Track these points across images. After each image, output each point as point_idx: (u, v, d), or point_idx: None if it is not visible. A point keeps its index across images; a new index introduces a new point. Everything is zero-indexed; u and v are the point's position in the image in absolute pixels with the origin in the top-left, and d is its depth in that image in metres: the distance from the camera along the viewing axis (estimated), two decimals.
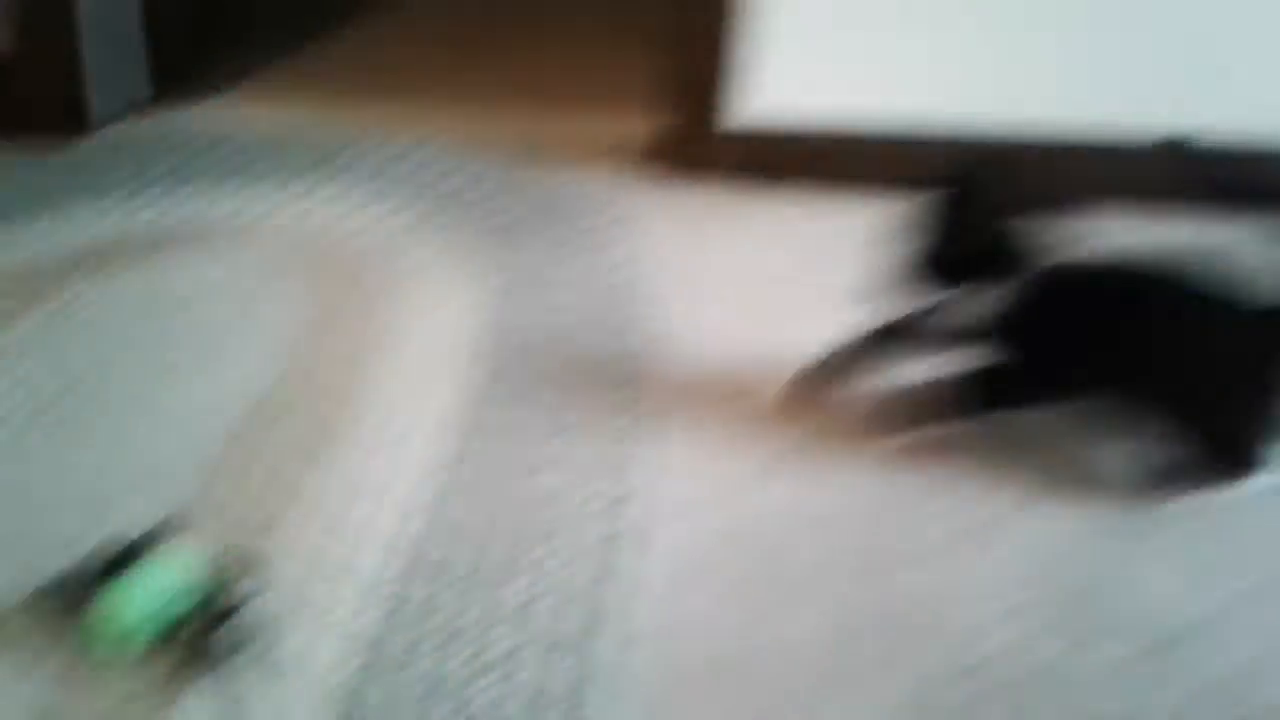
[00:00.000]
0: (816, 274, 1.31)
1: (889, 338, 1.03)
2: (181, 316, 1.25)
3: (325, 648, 0.81)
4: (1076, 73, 1.43)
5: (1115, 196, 1.06)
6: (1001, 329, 0.98)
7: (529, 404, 1.10)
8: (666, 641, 0.83)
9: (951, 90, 1.45)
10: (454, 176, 1.55)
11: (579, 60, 2.00)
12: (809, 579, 0.90)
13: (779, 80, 1.49)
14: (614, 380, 1.14)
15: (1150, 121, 1.29)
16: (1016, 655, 0.82)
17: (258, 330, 1.22)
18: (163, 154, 1.61)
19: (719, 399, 1.11)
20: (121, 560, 0.81)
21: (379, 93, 1.88)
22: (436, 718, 0.76)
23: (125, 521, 0.86)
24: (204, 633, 0.79)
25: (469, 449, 1.04)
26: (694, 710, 0.79)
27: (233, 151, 1.62)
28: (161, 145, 1.64)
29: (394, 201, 1.49)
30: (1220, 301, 0.95)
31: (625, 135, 1.65)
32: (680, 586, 0.88)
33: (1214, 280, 0.95)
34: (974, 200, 0.98)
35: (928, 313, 1.00)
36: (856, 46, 1.46)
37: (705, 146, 1.54)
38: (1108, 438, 1.02)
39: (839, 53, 1.47)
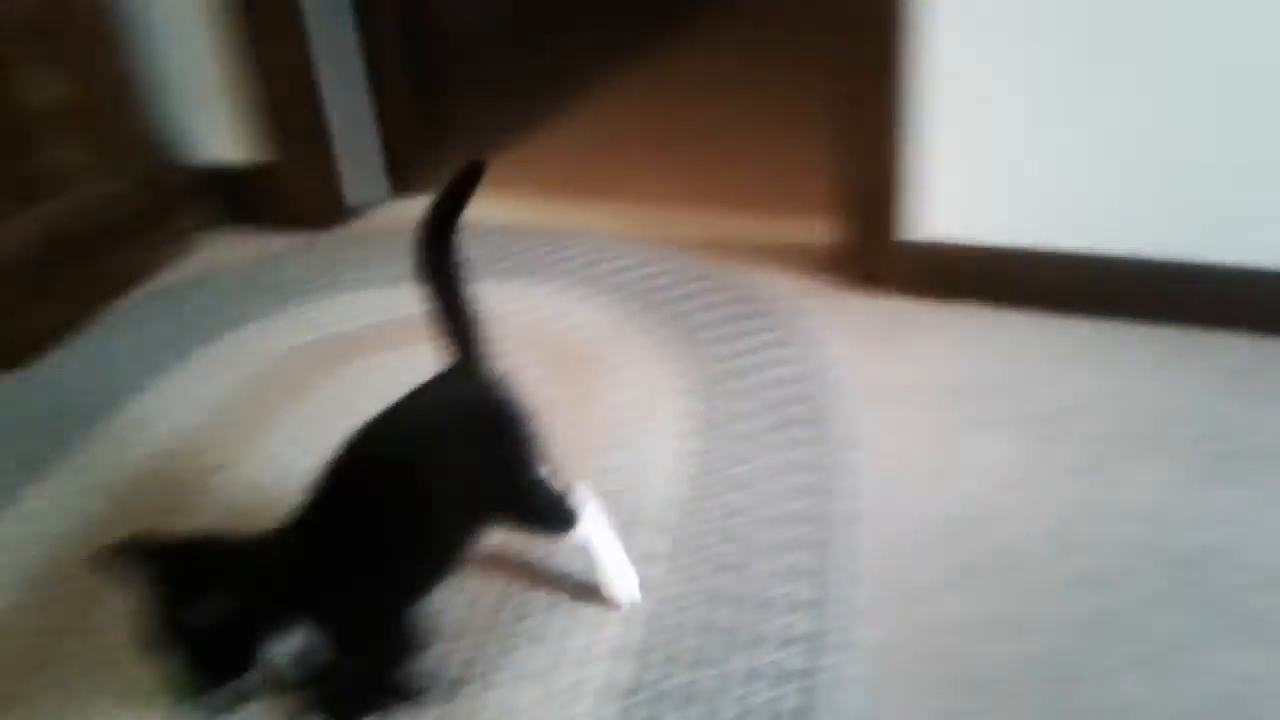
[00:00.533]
0: (988, 392, 1.47)
1: None
2: None
3: None
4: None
5: None
6: None
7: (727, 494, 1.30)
8: None
9: (1126, 213, 1.53)
10: (656, 276, 1.76)
11: (771, 163, 2.19)
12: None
13: (956, 196, 1.60)
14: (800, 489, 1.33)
15: None
16: None
17: None
18: (402, 246, 1.87)
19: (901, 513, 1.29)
20: None
21: (585, 189, 2.12)
22: None
23: None
24: None
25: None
26: None
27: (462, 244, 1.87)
28: (401, 237, 1.90)
29: (605, 298, 1.71)
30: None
31: (810, 241, 1.85)
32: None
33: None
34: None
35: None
36: (1031, 164, 1.55)
37: (882, 258, 1.68)
38: None
39: (1014, 170, 1.56)
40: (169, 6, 1.84)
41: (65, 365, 1.57)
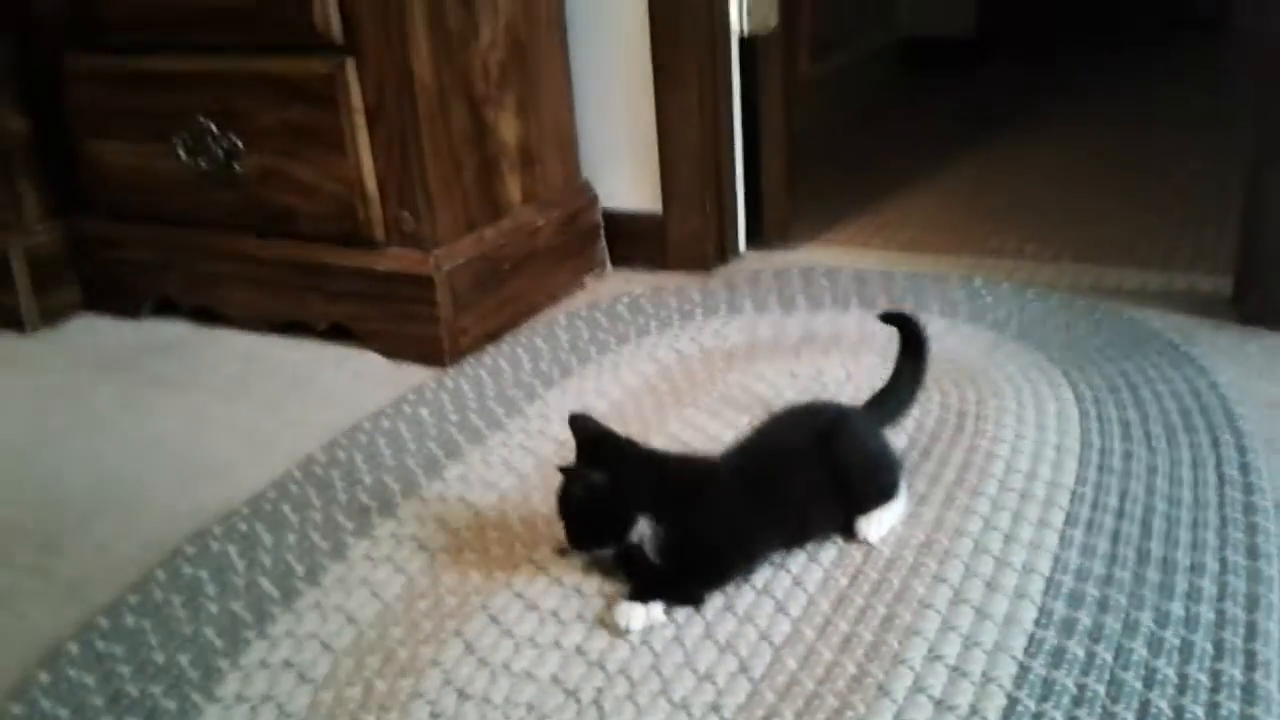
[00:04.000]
0: None
1: None
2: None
3: None
4: None
5: None
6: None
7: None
8: None
9: None
10: (1029, 310, 1.83)
11: (1131, 223, 2.23)
12: None
13: None
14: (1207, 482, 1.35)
15: None
16: None
17: None
18: (774, 283, 2.03)
19: None
20: None
21: (937, 245, 2.23)
22: None
23: None
24: None
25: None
26: None
27: (830, 282, 2.01)
28: (773, 277, 2.07)
29: (976, 326, 1.79)
30: None
31: (1192, 288, 1.87)
32: None
33: None
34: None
35: None
36: None
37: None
38: None
39: None
40: (608, 67, 2.13)
41: (494, 364, 1.80)
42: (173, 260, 2.08)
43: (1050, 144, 2.93)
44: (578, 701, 1.06)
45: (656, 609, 1.15)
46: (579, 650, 1.12)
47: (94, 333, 2.12)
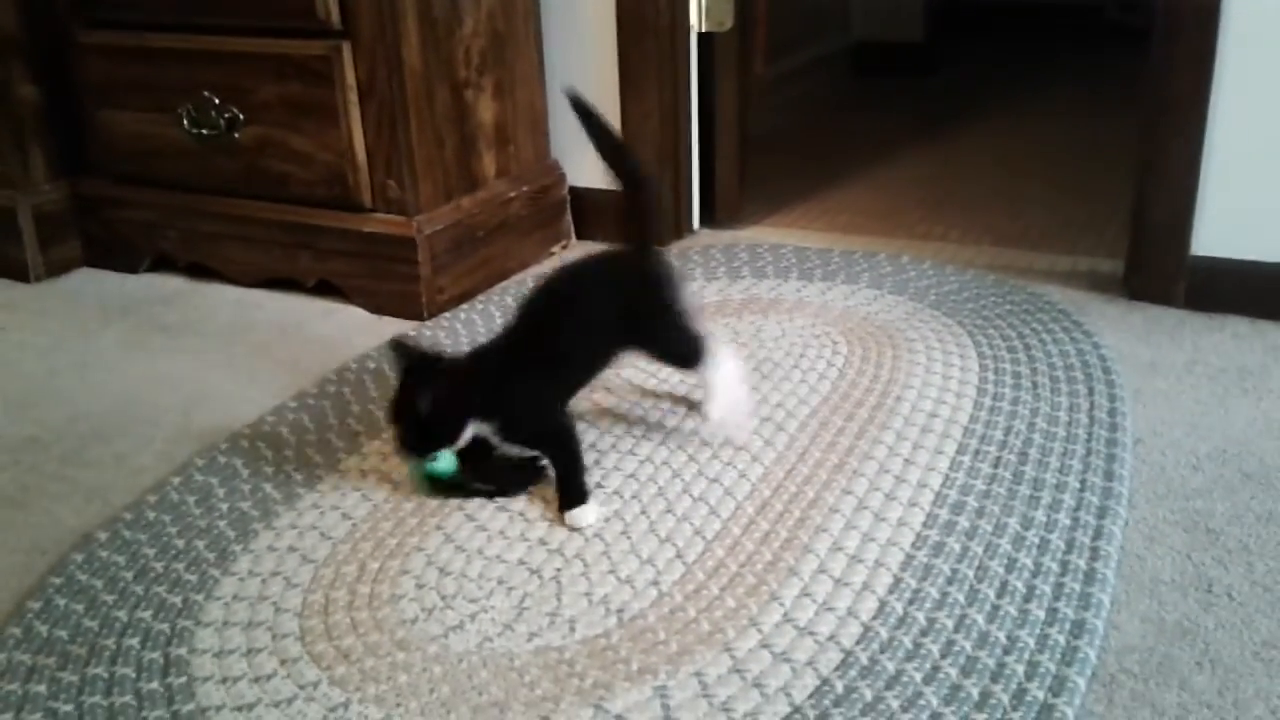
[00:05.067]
0: (1254, 373, 1.69)
1: None
2: (762, 357, 1.82)
3: None
4: None
5: None
6: None
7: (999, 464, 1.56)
8: None
9: None
10: (945, 283, 2.06)
11: (1055, 201, 2.48)
12: None
13: (1242, 212, 1.84)
14: (1079, 423, 1.58)
15: None
16: None
17: (808, 368, 1.77)
18: (723, 256, 2.25)
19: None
20: None
21: (872, 229, 2.45)
22: None
23: None
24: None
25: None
26: None
27: (773, 256, 2.23)
28: (722, 251, 2.29)
29: (899, 296, 2.02)
30: None
31: (1088, 269, 2.11)
32: None
33: None
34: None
35: None
36: None
37: (1165, 276, 1.92)
38: None
39: None
40: (578, 58, 2.34)
41: (467, 318, 2.00)
42: (172, 220, 2.26)
43: (986, 142, 3.18)
44: (540, 577, 1.26)
45: (595, 506, 1.36)
46: (542, 541, 1.33)
47: (96, 284, 2.30)
